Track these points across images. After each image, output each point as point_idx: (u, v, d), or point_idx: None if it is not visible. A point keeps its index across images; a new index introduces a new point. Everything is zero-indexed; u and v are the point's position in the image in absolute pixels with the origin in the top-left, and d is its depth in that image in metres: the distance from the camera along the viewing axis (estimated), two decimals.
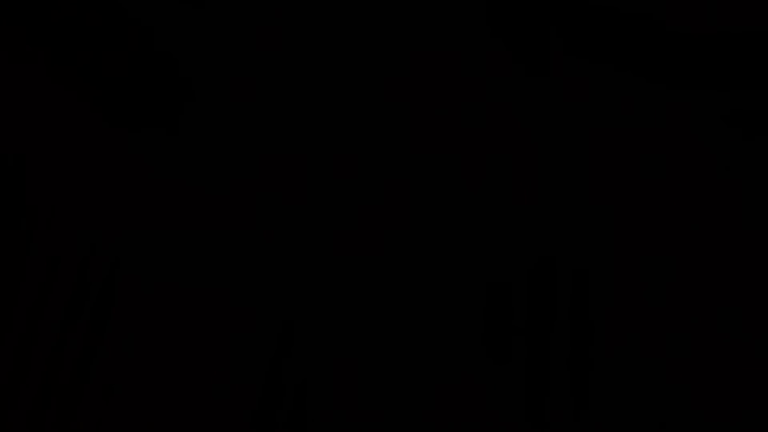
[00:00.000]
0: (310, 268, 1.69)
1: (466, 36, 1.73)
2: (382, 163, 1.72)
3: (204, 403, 1.62)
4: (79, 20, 1.78)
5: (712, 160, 1.68)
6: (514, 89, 1.72)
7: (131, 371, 1.63)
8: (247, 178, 1.73)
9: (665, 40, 1.70)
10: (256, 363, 1.63)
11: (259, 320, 1.66)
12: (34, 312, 1.65)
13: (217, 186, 1.72)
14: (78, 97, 1.76)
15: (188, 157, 1.73)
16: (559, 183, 1.70)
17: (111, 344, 1.64)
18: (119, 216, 1.70)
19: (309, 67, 1.76)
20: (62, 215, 1.69)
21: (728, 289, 1.62)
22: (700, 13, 1.69)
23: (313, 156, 1.73)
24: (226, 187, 1.72)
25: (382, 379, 1.64)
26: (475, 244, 1.68)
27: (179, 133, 1.73)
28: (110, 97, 1.76)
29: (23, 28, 1.77)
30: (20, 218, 1.70)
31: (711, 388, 1.58)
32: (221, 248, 1.69)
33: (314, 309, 1.68)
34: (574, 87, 1.72)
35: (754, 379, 1.57)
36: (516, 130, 1.71)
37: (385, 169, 1.72)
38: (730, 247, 1.64)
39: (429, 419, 1.60)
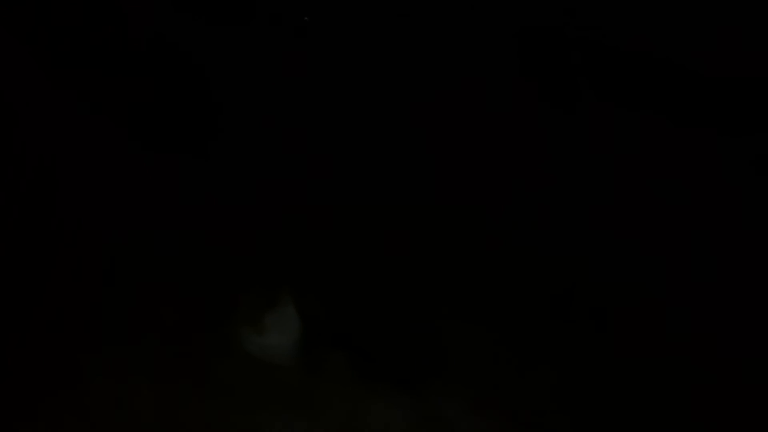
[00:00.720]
0: (325, 294, 1.71)
1: (497, 73, 1.76)
2: (405, 194, 1.74)
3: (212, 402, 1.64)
4: (115, 46, 1.83)
5: (738, 203, 1.68)
6: (541, 126, 1.74)
7: (147, 369, 1.65)
8: (269, 197, 1.76)
9: (694, 85, 1.71)
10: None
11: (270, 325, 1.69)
12: (59, 309, 1.69)
13: (235, 200, 1.75)
14: (109, 117, 1.81)
15: (214, 173, 1.77)
16: (579, 220, 1.71)
17: (128, 343, 1.68)
18: (141, 224, 1.74)
19: (339, 98, 1.80)
20: (89, 222, 1.74)
21: (754, 329, 1.60)
22: (728, 59, 1.70)
23: (337, 184, 1.76)
24: (244, 202, 1.75)
25: None
26: (495, 278, 1.69)
27: (205, 155, 1.77)
28: (140, 119, 1.81)
29: (61, 54, 1.83)
30: (50, 223, 1.74)
31: (734, 428, 1.56)
32: (235, 258, 1.72)
33: (327, 325, 1.70)
34: (601, 127, 1.73)
35: None
36: (542, 166, 1.73)
37: (407, 200, 1.74)
38: (756, 289, 1.64)
39: None
